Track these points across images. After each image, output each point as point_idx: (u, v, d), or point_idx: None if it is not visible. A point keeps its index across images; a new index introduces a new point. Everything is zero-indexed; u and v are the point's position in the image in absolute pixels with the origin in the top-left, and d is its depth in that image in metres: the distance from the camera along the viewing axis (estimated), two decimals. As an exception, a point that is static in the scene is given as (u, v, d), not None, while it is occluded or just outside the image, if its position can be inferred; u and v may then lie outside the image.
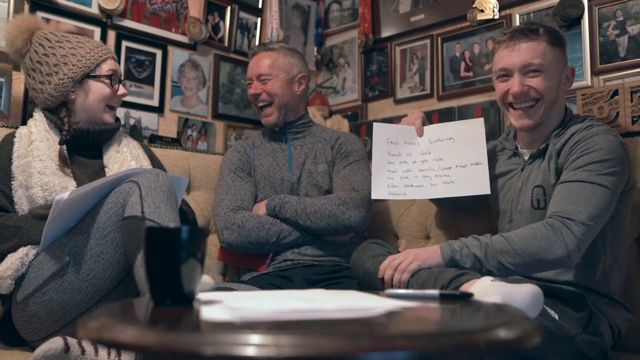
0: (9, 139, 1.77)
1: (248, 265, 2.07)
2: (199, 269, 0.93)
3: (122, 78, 1.93)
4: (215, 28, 2.84)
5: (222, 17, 2.87)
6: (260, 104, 2.15)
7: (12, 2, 2.19)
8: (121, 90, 1.90)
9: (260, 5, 3.02)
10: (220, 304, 0.88)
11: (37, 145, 1.72)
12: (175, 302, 0.91)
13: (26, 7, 2.23)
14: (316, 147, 2.17)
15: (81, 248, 1.52)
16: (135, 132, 2.50)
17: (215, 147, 2.81)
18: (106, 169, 1.83)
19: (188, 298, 0.92)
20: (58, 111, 1.82)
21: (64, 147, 1.75)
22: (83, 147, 1.84)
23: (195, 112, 2.75)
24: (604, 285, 1.61)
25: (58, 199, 1.46)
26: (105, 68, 1.85)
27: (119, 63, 2.03)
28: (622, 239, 1.65)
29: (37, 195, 1.64)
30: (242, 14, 2.94)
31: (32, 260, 1.57)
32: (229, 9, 2.88)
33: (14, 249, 1.58)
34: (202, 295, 0.97)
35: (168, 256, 0.91)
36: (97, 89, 1.84)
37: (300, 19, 3.22)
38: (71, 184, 1.70)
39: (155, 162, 2.03)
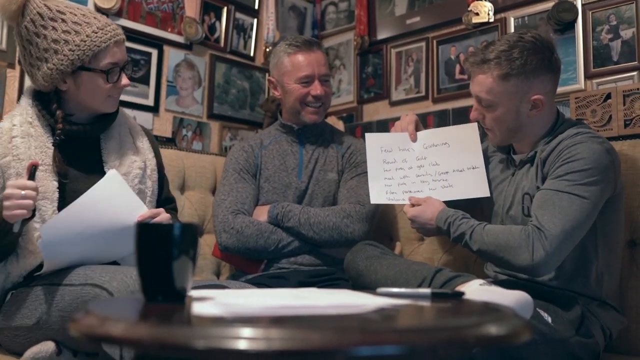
0: None
1: (242, 267, 2.06)
2: (191, 266, 0.93)
3: (126, 64, 1.66)
4: (212, 28, 2.84)
5: (219, 18, 2.87)
6: (315, 105, 2.06)
7: (7, -1, 2.19)
8: (123, 81, 1.64)
9: (256, 7, 3.03)
10: (212, 300, 0.89)
11: (17, 142, 1.55)
12: (167, 298, 0.91)
13: (22, 5, 2.23)
14: (326, 154, 2.12)
15: (52, 309, 1.43)
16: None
17: (210, 147, 2.81)
18: (105, 166, 1.65)
19: (180, 294, 0.92)
20: (49, 99, 1.61)
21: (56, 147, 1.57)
22: (76, 138, 1.63)
23: (190, 112, 2.75)
24: (596, 291, 1.61)
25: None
26: (104, 60, 1.59)
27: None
28: (615, 245, 1.64)
29: None
30: (239, 15, 2.95)
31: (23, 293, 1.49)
32: (225, 9, 2.89)
33: None
34: (193, 292, 0.98)
35: (160, 253, 0.92)
36: (91, 84, 1.60)
37: (297, 21, 3.23)
38: (52, 186, 1.54)
39: (158, 155, 1.84)
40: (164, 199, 1.83)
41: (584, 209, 1.51)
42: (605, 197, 1.56)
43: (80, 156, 1.63)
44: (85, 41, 1.55)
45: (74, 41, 1.55)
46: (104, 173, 1.59)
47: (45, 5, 1.57)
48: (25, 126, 1.57)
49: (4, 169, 1.53)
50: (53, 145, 1.57)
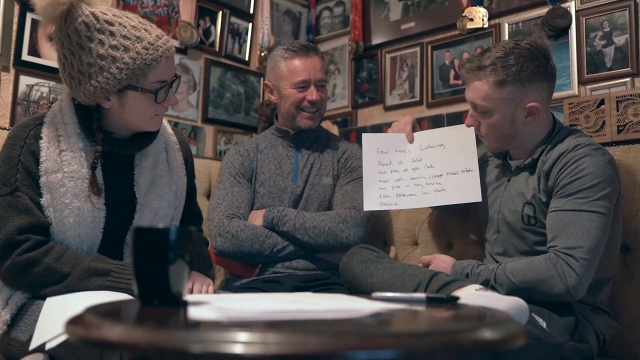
0: (36, 134, 1.45)
1: (236, 271, 2.06)
2: (187, 270, 0.93)
3: (175, 79, 1.51)
4: (207, 32, 2.85)
5: (214, 22, 2.87)
6: (310, 110, 2.06)
7: (2, 3, 2.19)
8: (171, 99, 1.52)
9: (251, 11, 3.04)
10: (208, 305, 0.89)
11: (67, 157, 1.45)
12: (163, 302, 0.91)
13: (16, 8, 2.23)
14: (322, 159, 2.11)
15: None
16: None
17: (205, 151, 2.81)
18: (135, 186, 1.56)
19: (175, 299, 0.92)
20: (90, 114, 1.49)
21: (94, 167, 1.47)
22: (112, 156, 1.53)
23: (185, 116, 2.75)
24: (590, 297, 1.61)
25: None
26: (153, 77, 1.45)
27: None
28: (612, 253, 1.64)
29: (67, 221, 1.42)
30: (234, 19, 2.95)
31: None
32: (220, 13, 2.89)
33: (54, 294, 1.38)
34: (189, 297, 0.97)
35: (156, 257, 0.92)
36: (137, 103, 1.47)
37: (291, 25, 3.24)
38: (101, 215, 1.48)
39: (190, 168, 1.76)
40: (190, 213, 1.75)
41: (603, 225, 1.52)
42: (614, 207, 1.58)
43: (110, 172, 1.53)
44: (134, 59, 1.40)
45: (122, 58, 1.40)
46: (133, 195, 1.55)
47: (93, 14, 1.40)
48: (74, 139, 1.46)
49: (51, 187, 1.43)
50: (91, 168, 1.46)
